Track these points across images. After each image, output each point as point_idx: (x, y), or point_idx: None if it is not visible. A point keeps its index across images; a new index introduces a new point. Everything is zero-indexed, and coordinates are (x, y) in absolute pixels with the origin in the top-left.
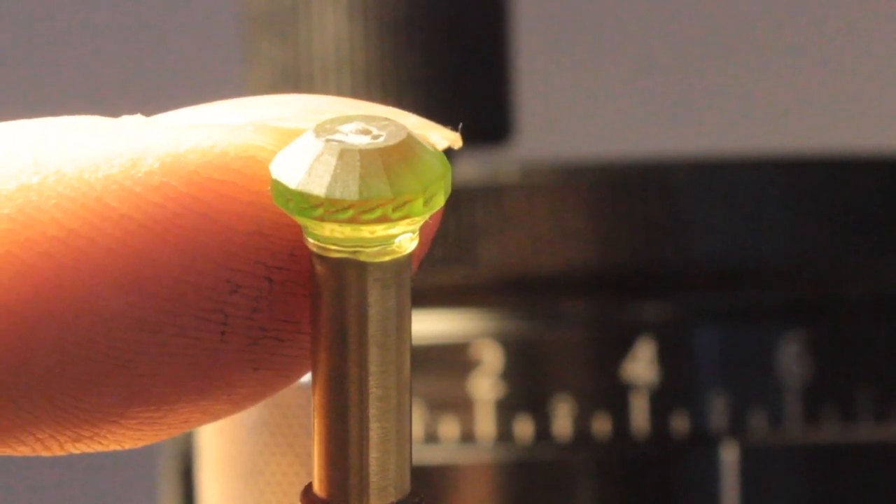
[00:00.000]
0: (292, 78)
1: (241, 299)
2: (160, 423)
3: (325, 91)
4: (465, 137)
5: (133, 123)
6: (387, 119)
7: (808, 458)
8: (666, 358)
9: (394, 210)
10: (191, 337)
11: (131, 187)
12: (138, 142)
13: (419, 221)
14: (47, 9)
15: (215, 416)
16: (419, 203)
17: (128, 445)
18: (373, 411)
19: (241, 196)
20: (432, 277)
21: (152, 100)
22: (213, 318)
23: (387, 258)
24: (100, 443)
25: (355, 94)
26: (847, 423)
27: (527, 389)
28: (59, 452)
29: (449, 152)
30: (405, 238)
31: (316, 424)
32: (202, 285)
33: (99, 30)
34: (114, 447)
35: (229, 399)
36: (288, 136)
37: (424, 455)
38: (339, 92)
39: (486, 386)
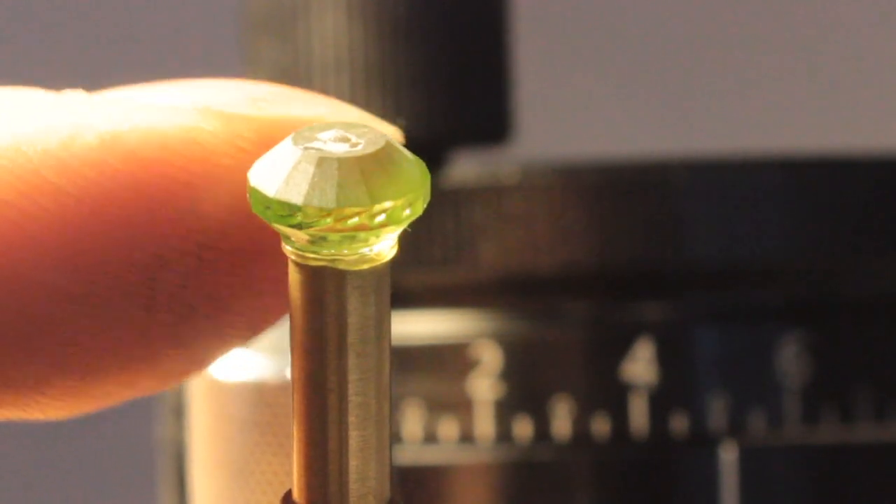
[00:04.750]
0: (292, 78)
1: (169, 275)
2: (82, 393)
3: (324, 91)
4: (465, 137)
5: (74, 98)
6: (366, 126)
7: (808, 458)
8: (665, 358)
9: (372, 218)
10: (117, 310)
11: (68, 161)
12: (78, 117)
13: (398, 229)
14: (46, 8)
15: (140, 391)
16: (397, 211)
17: (50, 415)
18: (352, 419)
19: (178, 176)
20: (432, 277)
21: None
22: (140, 292)
23: (366, 266)
24: (23, 409)
25: (355, 93)
26: (846, 424)
27: (526, 390)
28: None
29: (449, 152)
30: (384, 246)
31: (296, 431)
32: (131, 260)
33: (98, 29)
34: (36, 416)
35: (153, 374)
36: (230, 120)
37: (423, 455)
38: (339, 92)
39: (485, 386)
